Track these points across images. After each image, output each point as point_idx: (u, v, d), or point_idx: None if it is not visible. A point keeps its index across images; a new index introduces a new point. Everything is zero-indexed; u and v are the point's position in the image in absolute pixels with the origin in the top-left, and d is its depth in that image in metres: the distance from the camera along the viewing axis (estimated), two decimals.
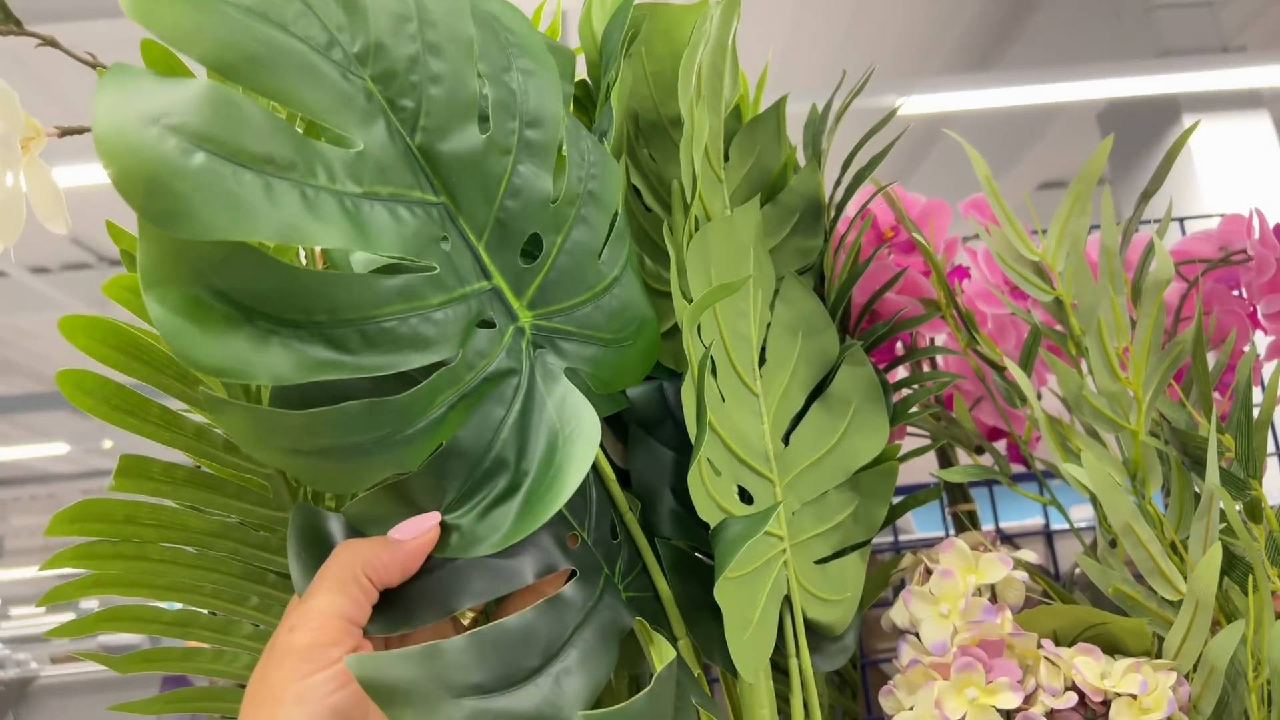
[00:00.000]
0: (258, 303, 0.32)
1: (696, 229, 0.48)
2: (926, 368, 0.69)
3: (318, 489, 0.37)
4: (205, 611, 0.38)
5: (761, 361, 0.52)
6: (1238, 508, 0.50)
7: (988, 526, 0.84)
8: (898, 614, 0.53)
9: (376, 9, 0.36)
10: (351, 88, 0.35)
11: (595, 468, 0.45)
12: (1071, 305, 0.55)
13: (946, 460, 0.67)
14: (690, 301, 0.45)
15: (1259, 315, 0.67)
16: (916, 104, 2.99)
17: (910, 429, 0.67)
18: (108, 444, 5.75)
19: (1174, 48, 2.84)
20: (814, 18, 3.76)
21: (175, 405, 0.41)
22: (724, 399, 0.48)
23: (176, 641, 0.39)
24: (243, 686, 0.41)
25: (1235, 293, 0.72)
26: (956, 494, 0.64)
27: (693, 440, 0.43)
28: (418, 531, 0.36)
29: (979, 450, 0.68)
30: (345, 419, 0.33)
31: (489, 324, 0.39)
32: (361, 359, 0.34)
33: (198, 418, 0.44)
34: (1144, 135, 2.99)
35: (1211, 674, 0.45)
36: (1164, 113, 2.91)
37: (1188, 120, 2.81)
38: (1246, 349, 0.67)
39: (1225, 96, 2.80)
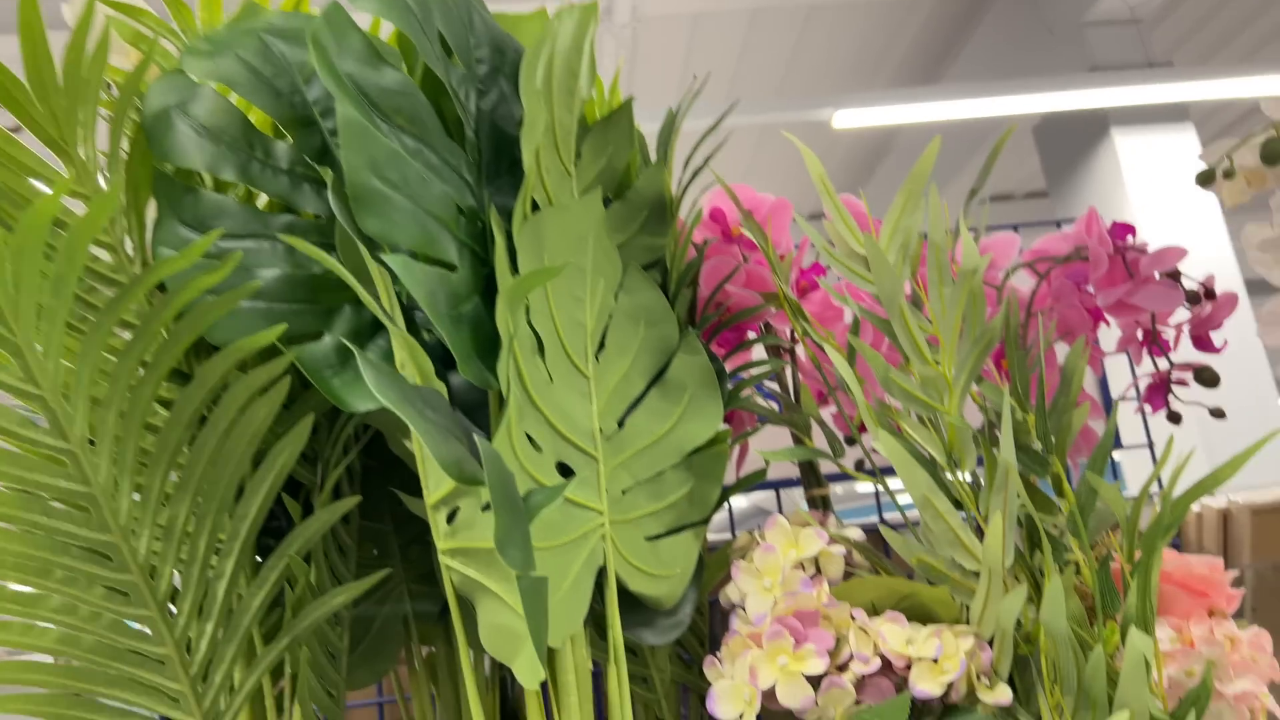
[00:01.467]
0: None
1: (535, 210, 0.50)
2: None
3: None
4: (9, 586, 0.40)
5: (601, 348, 0.54)
6: (1046, 483, 0.53)
7: (871, 519, 0.87)
8: (730, 590, 0.55)
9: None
10: None
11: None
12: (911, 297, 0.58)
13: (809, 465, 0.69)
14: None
15: (1101, 308, 0.71)
16: (864, 117, 3.05)
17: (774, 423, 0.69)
18: None
19: (1104, 63, 2.92)
20: (762, 35, 3.82)
21: None
22: (552, 379, 0.50)
23: None
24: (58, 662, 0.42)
25: (1088, 289, 0.76)
26: (811, 480, 0.67)
27: (506, 406, 0.44)
28: None
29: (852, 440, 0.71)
30: None
31: None
32: None
33: None
34: (1076, 148, 3.07)
35: (1004, 637, 0.48)
36: (1095, 126, 3.00)
37: (1116, 134, 2.89)
38: (1089, 342, 0.70)
39: (1153, 111, 2.89)
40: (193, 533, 0.44)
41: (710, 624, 0.63)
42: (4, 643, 0.40)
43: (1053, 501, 0.53)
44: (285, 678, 0.50)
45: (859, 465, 0.73)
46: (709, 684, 0.63)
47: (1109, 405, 0.88)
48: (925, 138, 4.18)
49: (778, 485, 0.88)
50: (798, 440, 0.67)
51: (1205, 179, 0.59)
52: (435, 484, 0.42)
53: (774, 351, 0.67)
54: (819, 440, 0.69)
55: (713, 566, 0.60)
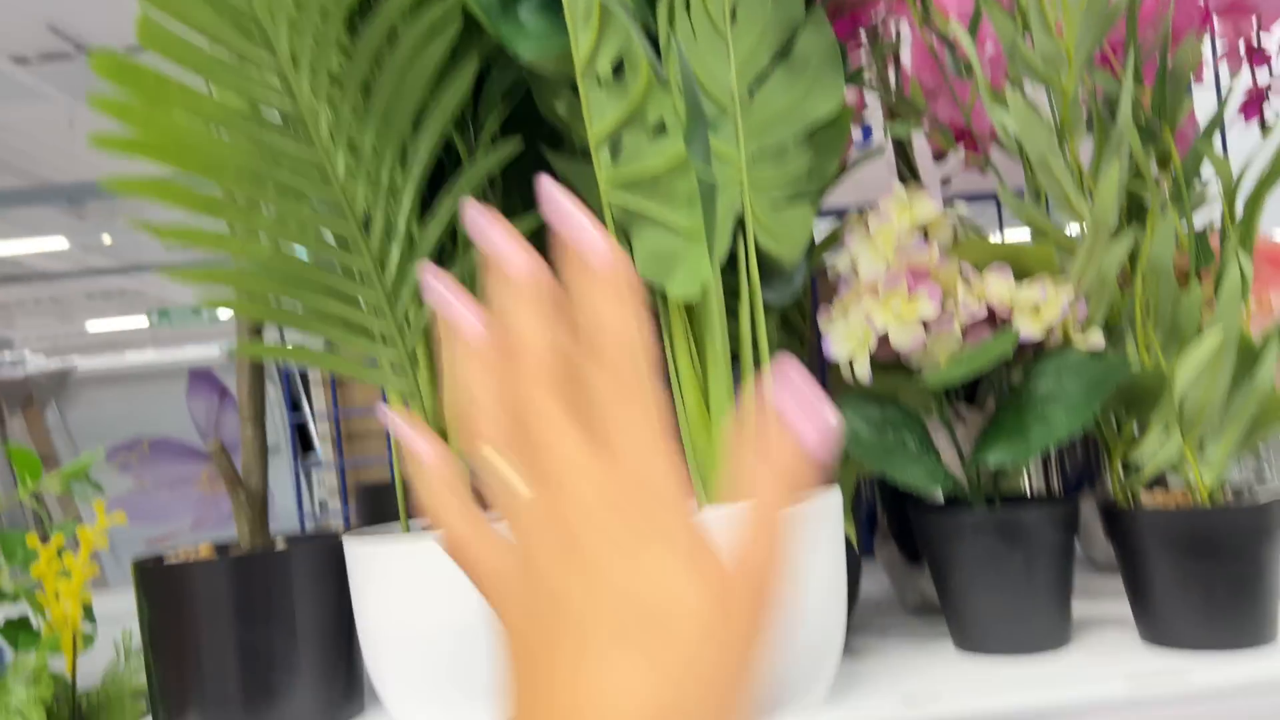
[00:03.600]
0: None
1: None
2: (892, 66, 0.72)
3: None
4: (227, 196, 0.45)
5: (733, 19, 0.56)
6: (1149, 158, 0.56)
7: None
8: (840, 259, 0.60)
9: None
10: None
11: None
12: None
13: (904, 152, 0.72)
14: None
15: (1211, 11, 0.71)
16: None
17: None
18: (107, 239, 5.75)
19: None
20: None
21: None
22: (695, 37, 0.52)
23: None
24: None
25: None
26: (907, 175, 0.70)
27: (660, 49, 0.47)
28: None
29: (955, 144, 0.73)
30: None
31: None
32: None
33: None
34: None
35: (1103, 285, 0.52)
36: None
37: None
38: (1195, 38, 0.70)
39: None
40: (378, 163, 0.48)
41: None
42: (227, 248, 0.45)
43: (1155, 179, 0.56)
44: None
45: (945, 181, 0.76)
46: (806, 350, 0.69)
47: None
48: None
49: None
50: (900, 146, 0.69)
51: None
52: (600, 119, 0.46)
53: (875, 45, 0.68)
54: (920, 144, 0.72)
55: (820, 248, 0.64)
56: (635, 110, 0.44)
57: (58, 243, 5.84)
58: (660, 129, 0.44)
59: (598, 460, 0.26)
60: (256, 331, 0.51)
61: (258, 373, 0.59)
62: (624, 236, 0.49)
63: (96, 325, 7.42)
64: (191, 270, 0.44)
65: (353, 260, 0.47)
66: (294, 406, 1.00)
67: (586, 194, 0.53)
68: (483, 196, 0.58)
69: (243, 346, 0.47)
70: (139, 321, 7.28)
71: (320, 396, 1.00)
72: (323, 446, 1.00)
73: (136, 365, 0.93)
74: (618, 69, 0.45)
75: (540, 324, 0.27)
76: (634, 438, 0.26)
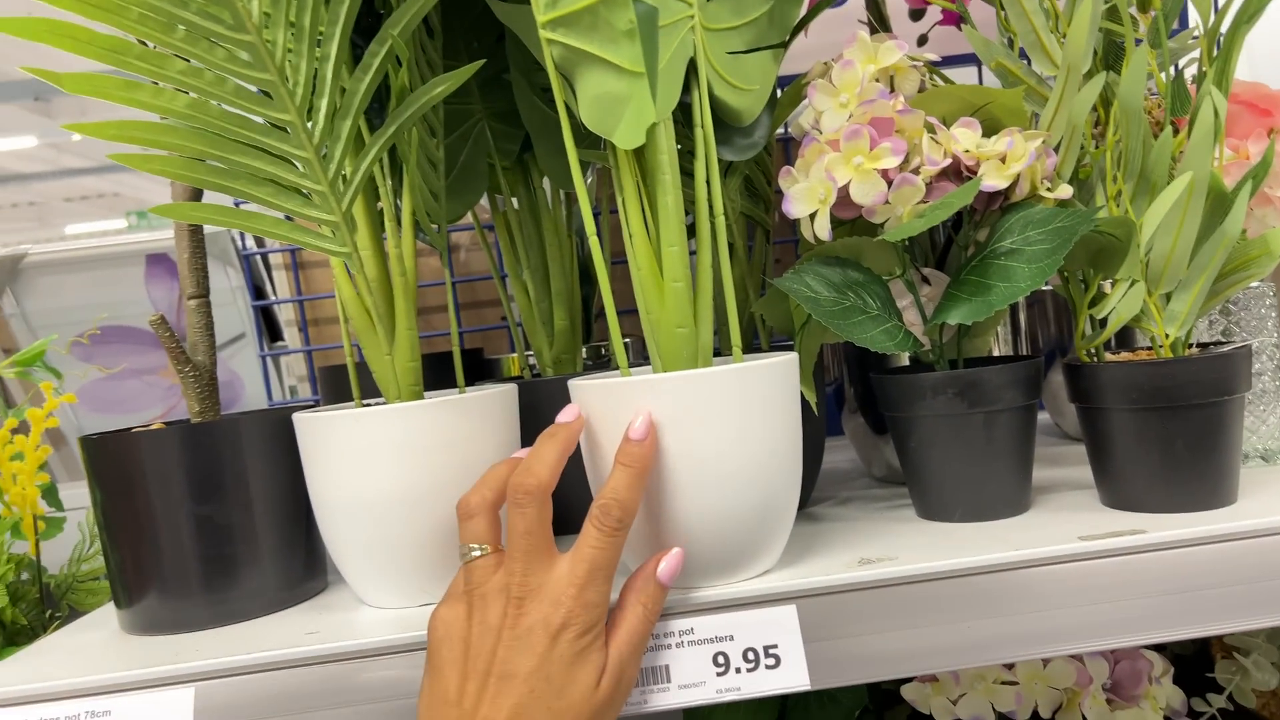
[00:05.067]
0: None
1: None
2: None
3: None
4: (136, 41, 0.41)
5: None
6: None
7: None
8: (804, 117, 0.57)
9: None
10: None
11: None
12: None
13: (876, 4, 0.68)
14: None
15: None
16: None
17: None
18: (77, 137, 5.59)
19: None
20: None
21: None
22: None
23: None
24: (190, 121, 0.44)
25: None
26: (877, 24, 0.66)
27: None
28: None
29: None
30: None
31: None
32: None
33: None
34: None
35: (1073, 133, 0.50)
36: None
37: None
38: None
39: None
40: (298, 6, 0.44)
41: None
42: (137, 104, 0.42)
43: (1133, 18, 0.53)
44: (385, 194, 0.53)
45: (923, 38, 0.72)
46: (773, 216, 0.67)
47: None
48: None
49: None
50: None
51: None
52: None
53: None
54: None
55: (784, 103, 0.61)
56: None
57: (26, 142, 5.68)
58: None
59: (548, 559, 0.41)
60: (196, 198, 0.49)
61: (198, 244, 0.57)
62: (567, 83, 0.46)
63: (75, 228, 7.31)
64: (102, 125, 0.42)
65: (276, 114, 0.44)
66: (258, 293, 0.98)
67: (529, 40, 0.50)
68: (420, 47, 0.54)
69: (166, 208, 0.44)
70: (118, 224, 7.16)
71: (284, 281, 0.97)
72: (288, 331, 0.99)
73: (93, 250, 0.90)
74: None
75: (554, 455, 0.42)
76: (583, 561, 0.41)
